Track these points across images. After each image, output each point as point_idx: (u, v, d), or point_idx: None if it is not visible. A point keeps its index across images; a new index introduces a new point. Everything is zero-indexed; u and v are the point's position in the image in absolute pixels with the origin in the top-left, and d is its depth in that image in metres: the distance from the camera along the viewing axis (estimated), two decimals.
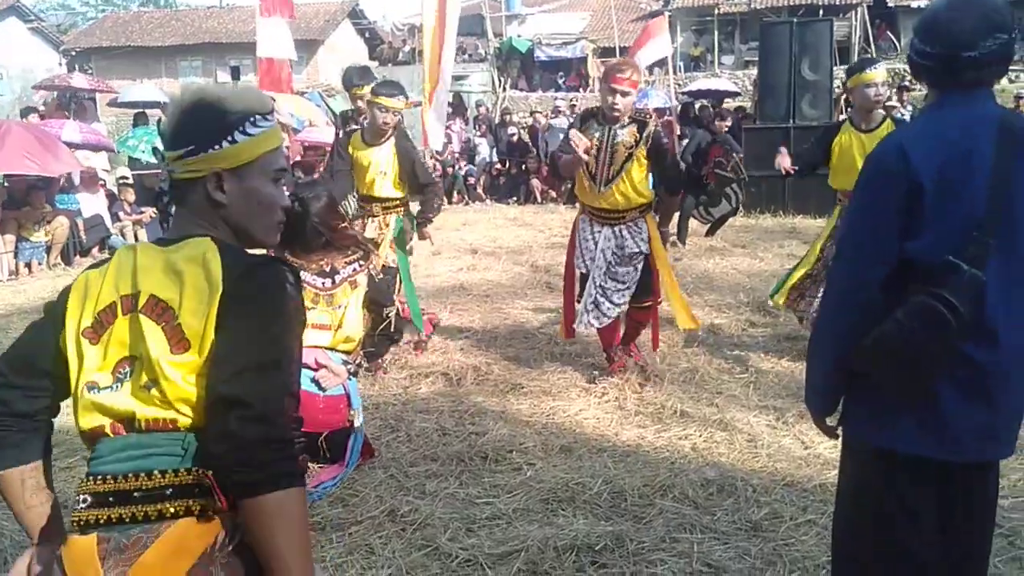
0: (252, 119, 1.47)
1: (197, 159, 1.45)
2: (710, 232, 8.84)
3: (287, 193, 1.63)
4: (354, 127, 5.70)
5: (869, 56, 6.59)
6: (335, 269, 3.66)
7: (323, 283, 3.62)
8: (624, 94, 4.38)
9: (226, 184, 1.46)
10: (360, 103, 6.12)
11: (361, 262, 3.74)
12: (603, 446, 3.90)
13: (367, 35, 35.01)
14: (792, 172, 5.07)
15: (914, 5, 26.63)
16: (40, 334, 1.52)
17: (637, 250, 4.59)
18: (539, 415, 4.29)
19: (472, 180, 14.79)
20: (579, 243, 4.70)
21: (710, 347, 5.35)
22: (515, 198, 14.14)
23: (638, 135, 4.46)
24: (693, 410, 4.28)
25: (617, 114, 4.42)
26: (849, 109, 12.03)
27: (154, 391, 1.36)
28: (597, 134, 4.46)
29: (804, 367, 4.73)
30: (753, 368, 4.92)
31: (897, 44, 27.07)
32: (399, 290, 5.11)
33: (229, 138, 1.44)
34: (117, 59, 31.58)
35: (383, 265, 5.05)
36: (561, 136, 14.20)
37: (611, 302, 4.62)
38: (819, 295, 4.86)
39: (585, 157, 4.33)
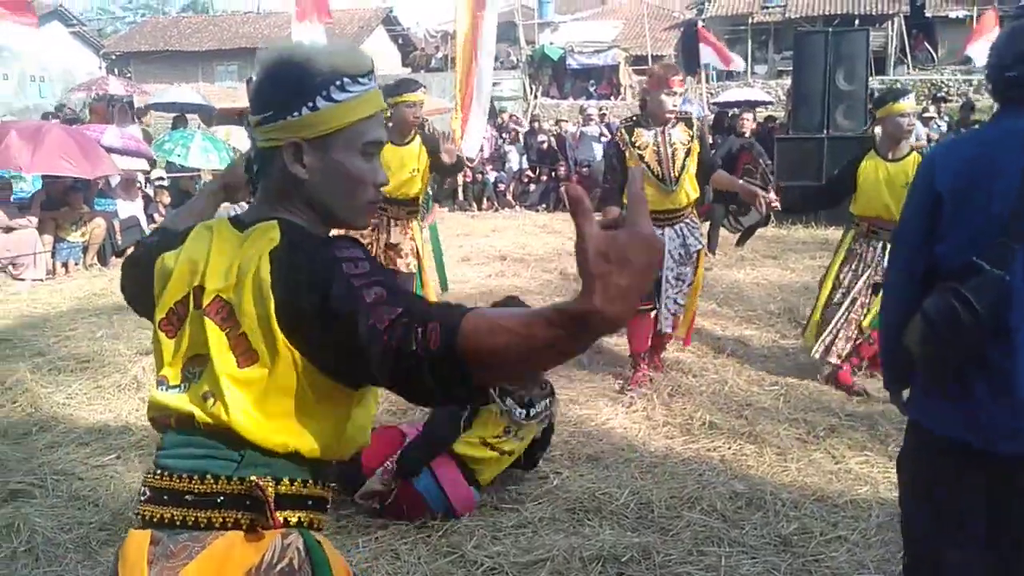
0: (340, 82, 1.27)
1: (274, 126, 1.29)
2: (740, 242, 8.72)
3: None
4: None
5: (898, 87, 6.40)
6: (531, 401, 3.41)
7: (520, 413, 3.38)
8: (679, 95, 4.61)
9: (306, 156, 1.29)
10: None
11: (551, 400, 3.53)
12: (630, 456, 3.88)
13: (400, 41, 35.27)
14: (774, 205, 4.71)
15: (952, 15, 26.31)
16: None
17: (698, 246, 4.79)
18: (566, 424, 4.28)
19: (502, 187, 14.82)
20: None
21: (740, 359, 5.30)
22: (545, 205, 14.14)
23: (690, 131, 4.67)
24: (722, 422, 4.25)
25: (671, 116, 4.57)
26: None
27: (214, 406, 1.26)
28: (650, 139, 4.57)
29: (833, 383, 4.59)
30: (783, 381, 4.87)
31: (934, 55, 26.75)
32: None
33: (310, 104, 1.27)
34: (155, 63, 32.13)
35: (407, 267, 5.10)
36: (594, 146, 14.20)
37: (676, 302, 4.77)
38: (843, 327, 4.75)
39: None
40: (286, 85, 1.28)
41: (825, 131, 10.45)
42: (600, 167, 11.32)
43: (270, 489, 1.25)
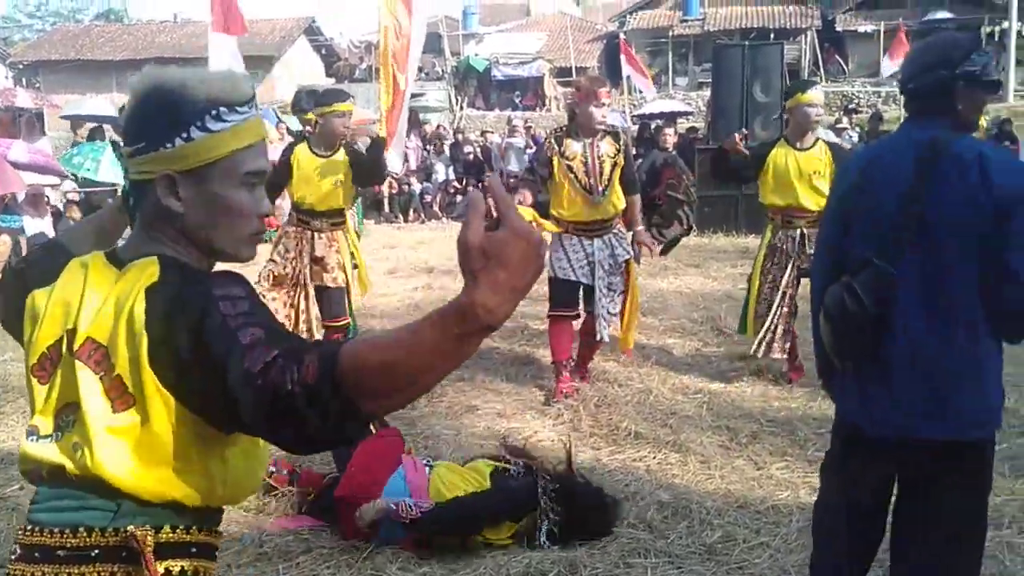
0: (216, 111, 1.21)
1: (147, 158, 1.22)
2: (664, 252, 8.95)
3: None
4: (296, 140, 5.49)
5: (807, 79, 6.71)
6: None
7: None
8: (607, 107, 4.75)
9: (181, 189, 1.22)
10: (309, 126, 5.85)
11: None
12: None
13: (323, 52, 34.85)
14: (740, 151, 4.93)
15: (861, 30, 27.37)
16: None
17: (626, 256, 4.87)
18: (493, 438, 4.24)
19: (428, 198, 14.75)
20: (569, 255, 4.73)
21: (664, 367, 5.36)
22: None
23: (616, 145, 4.73)
24: (647, 431, 4.28)
25: (600, 127, 4.65)
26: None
27: (83, 457, 1.18)
28: (579, 150, 4.63)
29: (758, 388, 4.76)
30: (706, 389, 4.94)
31: (845, 67, 27.76)
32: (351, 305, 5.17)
33: (184, 134, 1.20)
34: (65, 73, 30.97)
35: (334, 282, 4.99)
36: (521, 156, 14.26)
37: (609, 312, 4.84)
38: (779, 322, 4.87)
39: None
40: (159, 114, 1.22)
41: (744, 142, 10.70)
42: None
43: (149, 539, 1.19)
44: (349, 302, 5.21)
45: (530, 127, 16.40)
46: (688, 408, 4.63)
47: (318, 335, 5.05)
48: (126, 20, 39.46)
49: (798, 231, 4.84)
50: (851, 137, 13.71)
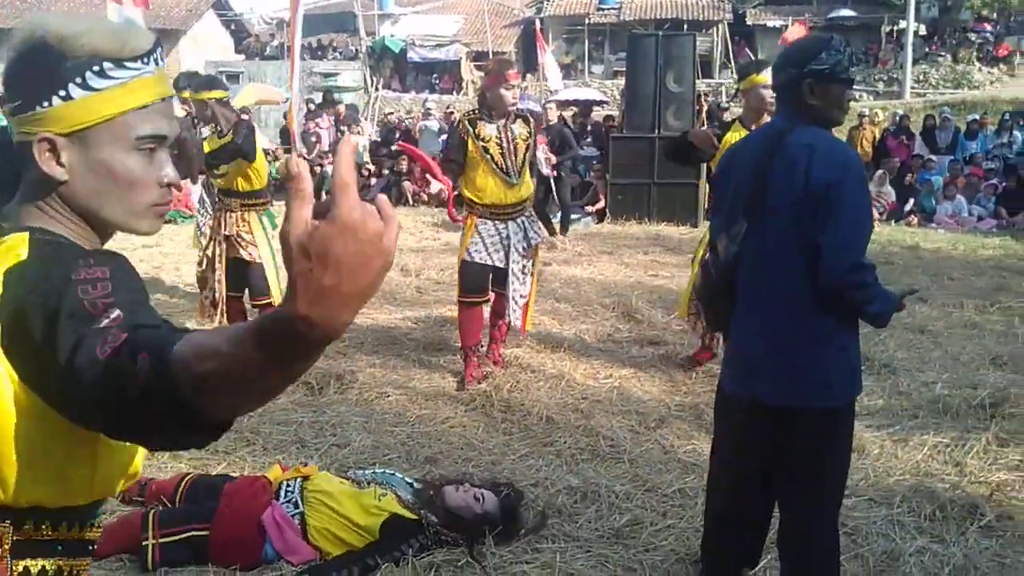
0: (99, 67, 1.07)
1: (24, 118, 1.09)
2: (563, 231, 9.43)
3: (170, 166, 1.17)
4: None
5: (760, 59, 6.64)
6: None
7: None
8: (516, 88, 4.73)
9: (63, 154, 1.09)
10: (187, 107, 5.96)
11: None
12: (468, 455, 3.86)
13: (232, 27, 33.74)
14: (713, 145, 4.65)
15: (770, 24, 28.15)
16: None
17: (538, 239, 4.88)
18: (404, 424, 4.20)
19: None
20: (483, 238, 4.69)
21: (576, 352, 5.40)
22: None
23: (528, 128, 4.75)
24: (559, 417, 4.30)
25: (511, 108, 4.65)
26: (710, 122, 12.56)
27: None
28: (493, 132, 4.61)
29: (666, 373, 4.84)
30: (617, 374, 4.99)
31: (754, 59, 28.52)
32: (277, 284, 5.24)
33: (61, 92, 1.07)
34: None
35: (252, 260, 5.24)
36: (434, 138, 14.17)
37: (521, 295, 4.83)
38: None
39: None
40: (36, 69, 1.09)
41: (656, 131, 10.86)
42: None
43: (5, 537, 1.08)
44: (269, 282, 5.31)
45: (451, 112, 16.27)
46: (599, 393, 4.68)
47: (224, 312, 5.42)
48: None
49: None
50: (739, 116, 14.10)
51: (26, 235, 1.08)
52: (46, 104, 1.09)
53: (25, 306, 1.01)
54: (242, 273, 5.31)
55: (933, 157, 13.19)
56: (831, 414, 2.41)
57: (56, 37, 1.09)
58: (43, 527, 1.12)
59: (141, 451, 1.20)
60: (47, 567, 1.13)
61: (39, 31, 1.10)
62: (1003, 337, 5.82)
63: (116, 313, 0.97)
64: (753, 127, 4.71)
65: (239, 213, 5.27)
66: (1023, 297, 6.88)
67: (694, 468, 3.71)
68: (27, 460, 1.06)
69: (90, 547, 1.19)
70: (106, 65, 1.09)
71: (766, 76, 4.62)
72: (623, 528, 3.17)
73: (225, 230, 5.26)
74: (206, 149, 5.14)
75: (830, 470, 2.47)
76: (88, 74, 1.08)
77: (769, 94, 4.61)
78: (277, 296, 5.16)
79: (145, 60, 1.12)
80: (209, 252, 5.44)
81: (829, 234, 2.25)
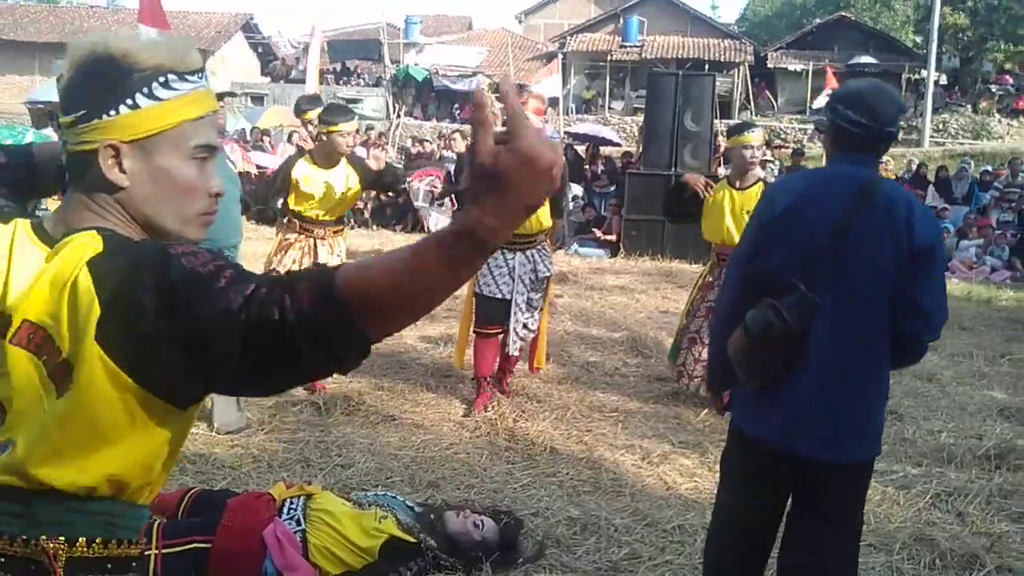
0: (164, 78, 1.15)
1: (89, 127, 1.14)
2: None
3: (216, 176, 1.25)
4: (298, 152, 5.46)
5: (748, 121, 6.81)
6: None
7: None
8: (541, 123, 4.88)
9: (125, 161, 1.15)
10: (310, 127, 5.85)
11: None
12: (471, 482, 3.88)
13: (260, 50, 34.30)
14: (700, 189, 5.03)
15: (791, 68, 28.37)
16: None
17: (548, 273, 4.91)
18: (409, 448, 4.23)
19: (360, 205, 14.60)
20: (490, 269, 4.73)
21: (583, 385, 5.42)
22: (401, 225, 14.05)
23: None
24: (562, 448, 4.32)
25: None
26: (727, 162, 12.65)
27: (10, 454, 1.09)
28: None
29: (672, 410, 4.83)
30: (623, 408, 5.02)
31: (775, 103, 28.71)
32: None
33: (128, 101, 1.13)
34: None
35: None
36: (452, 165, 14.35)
37: (525, 327, 4.84)
38: (697, 352, 4.90)
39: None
40: (103, 80, 1.14)
41: (673, 168, 10.94)
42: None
43: (60, 553, 1.11)
44: None
45: (467, 138, 16.44)
46: (604, 426, 4.70)
47: None
48: (55, 3, 38.10)
49: None
50: (773, 170, 14.16)
51: (93, 232, 1.13)
52: (113, 113, 1.14)
53: (128, 289, 1.04)
54: None
55: (948, 206, 13.20)
56: (870, 463, 2.47)
57: (121, 51, 1.15)
58: (95, 543, 1.15)
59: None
60: None
61: (102, 46, 1.16)
62: (1012, 389, 5.80)
63: (230, 271, 1.05)
64: (737, 183, 4.93)
65: (331, 240, 5.07)
66: None
67: (695, 505, 3.72)
68: (99, 441, 1.10)
69: (133, 564, 1.22)
70: (170, 77, 1.16)
71: (748, 137, 4.94)
72: (621, 561, 3.18)
73: (318, 258, 4.97)
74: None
75: (859, 515, 2.50)
76: (155, 85, 1.15)
77: (750, 154, 4.92)
78: None
79: (199, 75, 1.20)
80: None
81: (930, 291, 2.32)
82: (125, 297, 1.04)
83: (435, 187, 5.22)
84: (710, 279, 5.01)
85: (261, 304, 0.99)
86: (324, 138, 4.89)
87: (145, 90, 1.14)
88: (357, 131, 5.07)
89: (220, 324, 1.00)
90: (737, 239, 4.70)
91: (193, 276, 1.03)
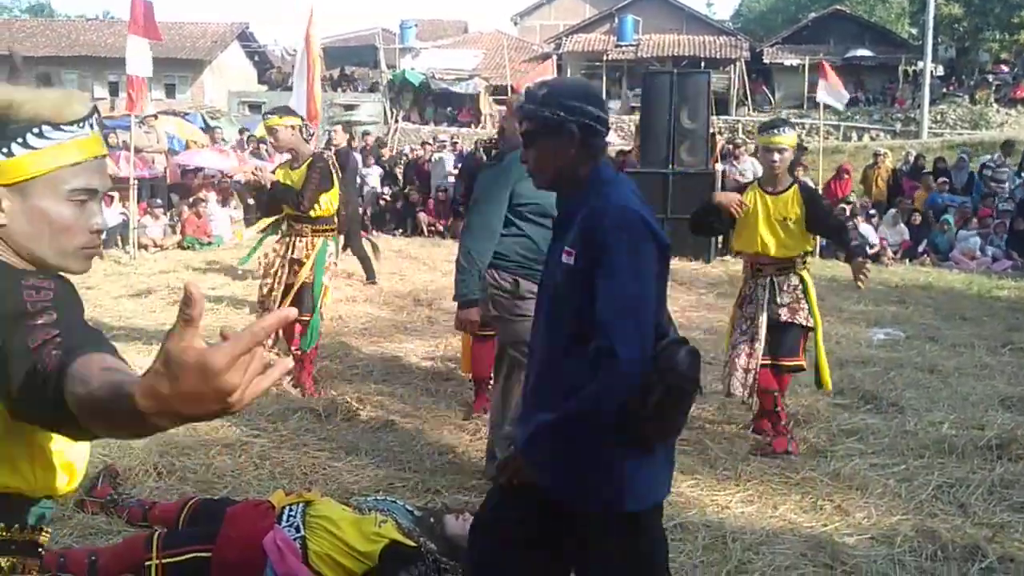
0: (38, 129, 1.27)
1: None
2: None
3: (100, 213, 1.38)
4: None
5: (779, 118, 6.13)
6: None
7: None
8: None
9: (4, 201, 1.28)
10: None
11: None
12: (472, 484, 3.87)
13: (256, 58, 34.35)
14: (735, 213, 4.41)
15: (787, 63, 28.35)
16: None
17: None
18: (409, 452, 4.23)
19: (359, 210, 14.62)
20: None
21: None
22: (401, 230, 14.07)
23: None
24: None
25: None
26: (724, 158, 12.64)
27: None
28: None
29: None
30: None
31: (771, 98, 28.69)
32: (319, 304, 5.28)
33: (4, 149, 1.26)
34: None
35: (303, 282, 5.22)
36: (448, 169, 14.33)
37: None
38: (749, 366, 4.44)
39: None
40: None
41: (670, 166, 10.95)
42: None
43: None
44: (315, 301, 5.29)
45: (456, 142, 16.46)
46: None
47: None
48: (52, 17, 38.20)
49: (768, 279, 4.42)
50: (758, 177, 14.13)
51: None
52: None
53: None
54: (299, 295, 5.24)
55: (954, 198, 13.18)
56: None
57: (6, 103, 1.27)
58: None
59: (81, 453, 1.36)
60: (2, 564, 1.29)
61: None
62: (1013, 379, 5.79)
63: (52, 315, 1.18)
64: (769, 188, 4.42)
65: (309, 238, 5.28)
66: None
67: (696, 504, 3.72)
68: None
69: (40, 548, 1.35)
70: (45, 128, 1.28)
71: (780, 138, 4.34)
72: None
73: (293, 254, 5.27)
74: (282, 179, 5.25)
75: None
76: (28, 135, 1.27)
77: (770, 157, 4.37)
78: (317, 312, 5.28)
79: (81, 124, 1.31)
80: (274, 275, 5.40)
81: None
82: None
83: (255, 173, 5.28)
84: (745, 291, 4.58)
85: (42, 357, 1.12)
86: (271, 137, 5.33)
87: (20, 140, 1.27)
88: (272, 129, 5.20)
89: (17, 356, 1.14)
90: (774, 249, 4.34)
91: (19, 310, 1.18)
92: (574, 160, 2.13)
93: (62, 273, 1.35)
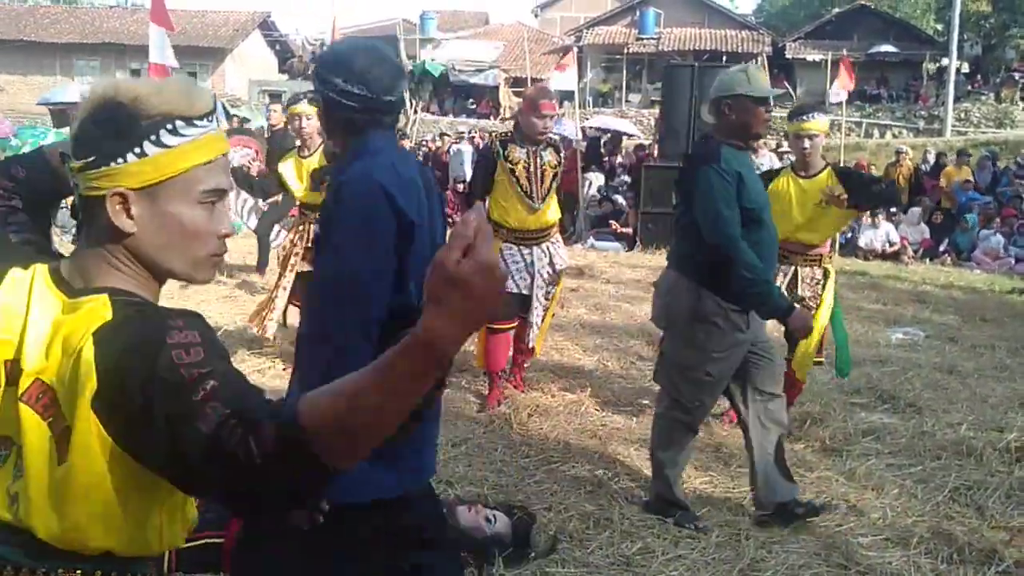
0: (172, 125, 1.14)
1: (97, 174, 1.14)
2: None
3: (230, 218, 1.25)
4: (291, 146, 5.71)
5: (808, 104, 5.98)
6: None
7: None
8: (551, 118, 4.80)
9: (134, 208, 1.15)
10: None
11: None
12: (485, 476, 3.87)
13: (277, 47, 34.45)
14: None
15: (809, 59, 28.10)
16: None
17: (563, 265, 4.98)
18: None
19: None
20: (508, 265, 4.72)
21: (598, 379, 5.40)
22: None
23: (558, 157, 4.86)
24: (576, 441, 4.31)
25: (543, 136, 4.73)
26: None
27: (21, 511, 1.11)
28: (522, 156, 4.69)
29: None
30: (636, 402, 4.99)
31: (793, 93, 28.46)
32: None
33: (136, 149, 1.13)
34: (7, 54, 30.09)
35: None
36: (468, 160, 14.38)
37: (541, 318, 4.90)
38: None
39: None
40: (110, 128, 1.14)
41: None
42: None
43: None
44: None
45: (473, 136, 16.45)
46: (619, 421, 4.68)
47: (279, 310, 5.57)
48: (75, 3, 38.45)
49: (792, 268, 4.40)
50: (791, 161, 14.06)
51: (105, 296, 1.13)
52: (121, 161, 1.14)
53: (121, 367, 1.06)
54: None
55: (977, 196, 13.03)
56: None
57: (130, 97, 1.15)
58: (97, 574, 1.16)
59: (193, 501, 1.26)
60: None
61: (112, 91, 1.16)
62: None
63: (212, 381, 1.03)
64: (802, 172, 4.40)
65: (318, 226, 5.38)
66: None
67: (709, 500, 3.70)
68: (104, 510, 1.11)
69: None
70: (178, 123, 1.16)
71: (810, 123, 4.30)
72: (634, 556, 3.17)
73: (307, 242, 5.31)
74: (293, 167, 5.33)
75: None
76: (162, 132, 1.15)
77: (808, 144, 4.31)
78: None
79: (209, 119, 1.19)
80: (291, 267, 5.48)
81: None
82: (117, 375, 1.06)
83: (250, 162, 5.35)
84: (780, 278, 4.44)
85: (233, 440, 0.99)
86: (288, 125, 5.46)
87: (153, 137, 1.14)
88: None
89: (188, 442, 1.01)
90: (801, 234, 4.30)
91: (175, 379, 1.03)
92: (330, 133, 2.16)
93: (185, 280, 1.25)
